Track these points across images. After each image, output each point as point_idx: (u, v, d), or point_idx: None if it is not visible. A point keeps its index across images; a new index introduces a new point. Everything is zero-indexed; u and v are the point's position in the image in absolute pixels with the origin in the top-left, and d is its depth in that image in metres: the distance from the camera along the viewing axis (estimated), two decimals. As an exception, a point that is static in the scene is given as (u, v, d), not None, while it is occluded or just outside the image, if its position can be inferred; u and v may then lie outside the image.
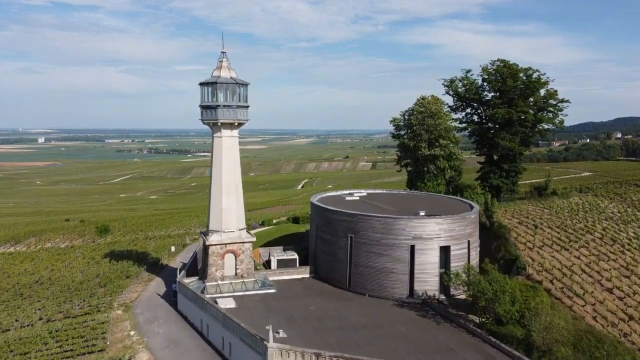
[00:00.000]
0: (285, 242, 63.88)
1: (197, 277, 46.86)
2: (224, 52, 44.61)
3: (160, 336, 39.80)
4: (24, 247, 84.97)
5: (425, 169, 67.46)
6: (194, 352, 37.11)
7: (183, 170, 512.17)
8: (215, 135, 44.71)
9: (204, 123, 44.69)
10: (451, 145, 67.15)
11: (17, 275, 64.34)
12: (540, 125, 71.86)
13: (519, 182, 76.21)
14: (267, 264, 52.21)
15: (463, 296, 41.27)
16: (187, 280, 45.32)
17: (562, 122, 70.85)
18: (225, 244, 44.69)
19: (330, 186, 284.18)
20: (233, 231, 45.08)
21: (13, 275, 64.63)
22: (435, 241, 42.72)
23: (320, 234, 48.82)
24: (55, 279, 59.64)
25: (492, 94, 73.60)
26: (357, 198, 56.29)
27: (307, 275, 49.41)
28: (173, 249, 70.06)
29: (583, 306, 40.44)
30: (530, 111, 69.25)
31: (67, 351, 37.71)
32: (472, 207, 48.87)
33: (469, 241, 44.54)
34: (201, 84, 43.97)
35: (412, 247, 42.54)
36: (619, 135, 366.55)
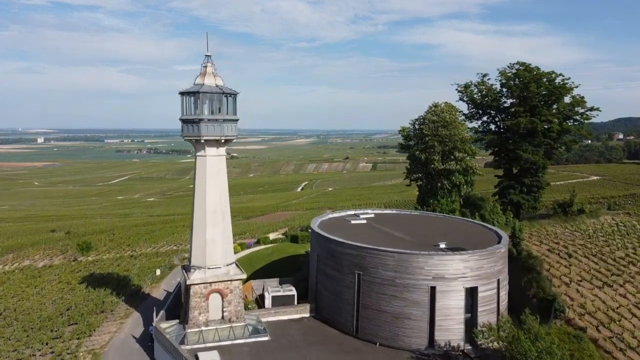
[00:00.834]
0: (281, 268, 57.01)
1: (178, 321, 39.89)
2: (208, 55, 37.67)
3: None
4: (0, 265, 78.17)
5: (439, 184, 60.45)
6: None
7: (182, 171, 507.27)
8: (198, 154, 37.76)
9: (185, 139, 37.75)
10: (467, 158, 60.13)
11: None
12: (566, 135, 64.80)
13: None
14: (260, 300, 45.23)
15: (494, 344, 34.47)
16: (164, 325, 38.39)
17: (590, 133, 63.90)
18: (210, 282, 37.74)
19: (330, 189, 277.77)
20: (219, 267, 38.11)
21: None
22: (460, 281, 35.79)
23: (322, 267, 41.87)
24: (21, 311, 52.64)
25: (511, 100, 66.73)
26: (364, 221, 49.32)
27: (307, 315, 42.43)
28: (158, 272, 63.17)
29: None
30: (555, 120, 62.22)
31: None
32: (499, 237, 41.91)
33: (498, 280, 37.62)
34: (182, 93, 37.03)
35: (433, 288, 35.62)
36: (621, 137, 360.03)
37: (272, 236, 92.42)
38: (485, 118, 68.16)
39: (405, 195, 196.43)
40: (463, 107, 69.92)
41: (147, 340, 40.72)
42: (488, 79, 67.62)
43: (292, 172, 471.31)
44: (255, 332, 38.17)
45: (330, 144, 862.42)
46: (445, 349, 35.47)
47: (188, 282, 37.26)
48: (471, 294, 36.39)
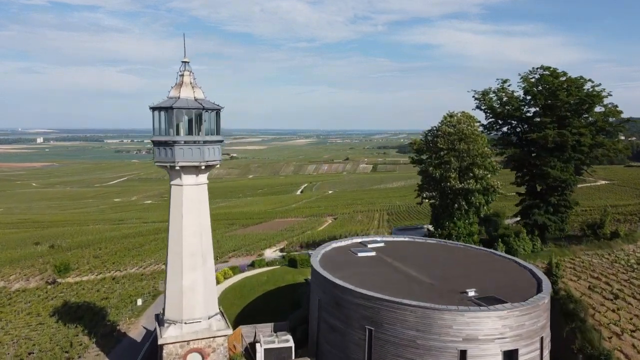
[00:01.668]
0: (277, 301, 50.14)
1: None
2: (185, 61, 30.72)
3: None
4: (-30, 289, 71.21)
5: (456, 205, 53.38)
6: None
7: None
8: (173, 182, 30.82)
9: (157, 165, 30.81)
10: (488, 176, 53.08)
11: None
12: (598, 149, 57.67)
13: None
14: (251, 350, 38.20)
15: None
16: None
17: (627, 147, 56.84)
18: (188, 341, 30.79)
19: (330, 192, 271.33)
20: (199, 321, 31.17)
21: None
22: (497, 343, 28.81)
23: (325, 315, 34.88)
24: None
25: (534, 109, 59.74)
26: (373, 253, 42.32)
27: (307, 371, 35.50)
28: (140, 302, 56.26)
29: None
30: (588, 133, 55.16)
31: None
32: (536, 279, 34.85)
33: (541, 338, 30.63)
34: (152, 108, 30.08)
35: (463, 352, 28.67)
36: (622, 137, 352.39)
37: (268, 253, 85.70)
38: (505, 129, 61.24)
39: (407, 200, 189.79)
40: (479, 115, 63.13)
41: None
42: (509, 85, 60.66)
43: (292, 174, 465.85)
44: (243, 402, 31.28)
45: (330, 144, 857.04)
46: None
47: (160, 342, 30.33)
48: (510, 357, 29.43)
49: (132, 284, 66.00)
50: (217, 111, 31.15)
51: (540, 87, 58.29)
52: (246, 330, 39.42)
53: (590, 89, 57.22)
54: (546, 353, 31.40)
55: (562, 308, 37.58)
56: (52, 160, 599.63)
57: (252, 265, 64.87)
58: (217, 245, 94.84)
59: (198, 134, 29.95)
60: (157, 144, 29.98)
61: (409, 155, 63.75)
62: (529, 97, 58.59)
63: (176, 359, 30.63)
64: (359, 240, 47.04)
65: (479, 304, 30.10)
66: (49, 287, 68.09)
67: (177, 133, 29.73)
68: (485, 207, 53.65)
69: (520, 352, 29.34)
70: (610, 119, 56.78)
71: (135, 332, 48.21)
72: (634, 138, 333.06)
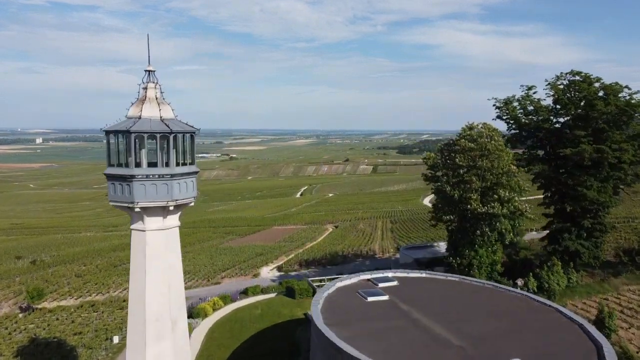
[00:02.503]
0: (272, 344, 43.25)
1: None
2: (149, 70, 23.79)
3: None
4: None
5: (478, 231, 46.40)
6: None
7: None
8: (133, 227, 23.93)
9: (112, 206, 23.92)
10: (516, 198, 46.07)
11: None
12: (638, 167, 50.66)
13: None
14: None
15: None
16: None
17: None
18: None
19: (330, 194, 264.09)
20: (168, 405, 24.22)
21: None
22: None
23: (329, 386, 27.93)
24: None
25: (563, 119, 52.87)
26: (385, 297, 35.40)
27: None
28: (116, 339, 49.49)
29: None
30: (630, 148, 48.19)
31: None
32: (596, 344, 27.86)
33: None
34: (107, 132, 23.20)
35: None
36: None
37: (265, 272, 78.95)
38: (529, 142, 54.38)
39: (410, 205, 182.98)
40: (499, 126, 56.18)
41: None
42: (534, 93, 53.76)
43: (292, 175, 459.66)
44: None
45: (330, 145, 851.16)
46: None
47: None
48: None
49: (111, 313, 59.26)
50: (191, 134, 24.27)
51: (569, 95, 51.45)
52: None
53: (628, 97, 50.36)
54: None
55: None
56: (51, 160, 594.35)
57: (245, 293, 58.01)
58: (210, 262, 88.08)
59: (165, 165, 23.04)
60: (111, 178, 23.11)
61: (422, 172, 56.72)
62: (558, 107, 51.70)
63: None
64: (367, 276, 40.11)
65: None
66: (20, 315, 61.37)
67: (138, 164, 22.86)
68: (510, 234, 46.69)
69: None
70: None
71: (106, 383, 41.47)
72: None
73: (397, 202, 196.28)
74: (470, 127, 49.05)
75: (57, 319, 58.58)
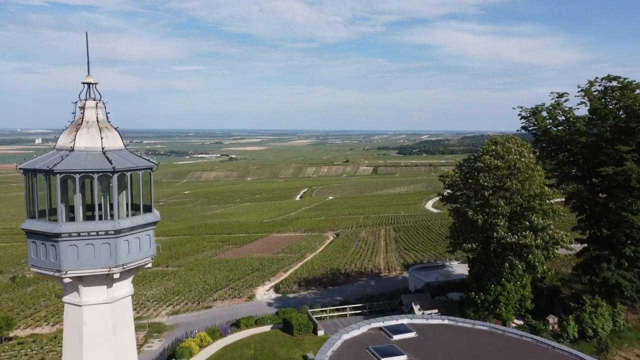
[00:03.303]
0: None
1: None
2: (89, 83, 17.12)
3: None
4: None
5: (507, 263, 39.68)
6: None
7: (178, 174, 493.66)
8: (66, 299, 17.31)
9: (35, 272, 17.29)
10: (551, 227, 39.29)
11: None
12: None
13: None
14: None
15: None
16: None
17: None
18: None
19: (330, 197, 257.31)
20: None
21: None
22: None
23: None
24: None
25: (597, 130, 46.25)
26: (404, 357, 28.72)
27: None
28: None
29: None
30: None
31: None
32: None
33: None
34: (25, 170, 16.58)
35: None
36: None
37: (261, 293, 72.36)
38: (560, 156, 47.78)
39: (413, 209, 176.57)
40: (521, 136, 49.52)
41: None
42: (565, 101, 47.13)
43: (291, 176, 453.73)
44: None
45: (330, 145, 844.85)
46: None
47: None
48: None
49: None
50: (148, 170, 17.60)
51: (610, 103, 44.87)
52: None
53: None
54: None
55: None
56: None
57: (237, 326, 51.29)
58: (202, 279, 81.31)
59: (109, 218, 16.38)
60: (30, 235, 16.48)
61: (438, 191, 49.99)
62: (594, 117, 45.11)
63: None
64: (378, 324, 33.44)
65: None
66: (-17, 348, 54.67)
67: (70, 215, 16.23)
68: (543, 267, 39.99)
69: None
70: None
71: None
72: None
73: (399, 205, 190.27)
74: (495, 143, 42.31)
75: (26, 354, 51.99)
